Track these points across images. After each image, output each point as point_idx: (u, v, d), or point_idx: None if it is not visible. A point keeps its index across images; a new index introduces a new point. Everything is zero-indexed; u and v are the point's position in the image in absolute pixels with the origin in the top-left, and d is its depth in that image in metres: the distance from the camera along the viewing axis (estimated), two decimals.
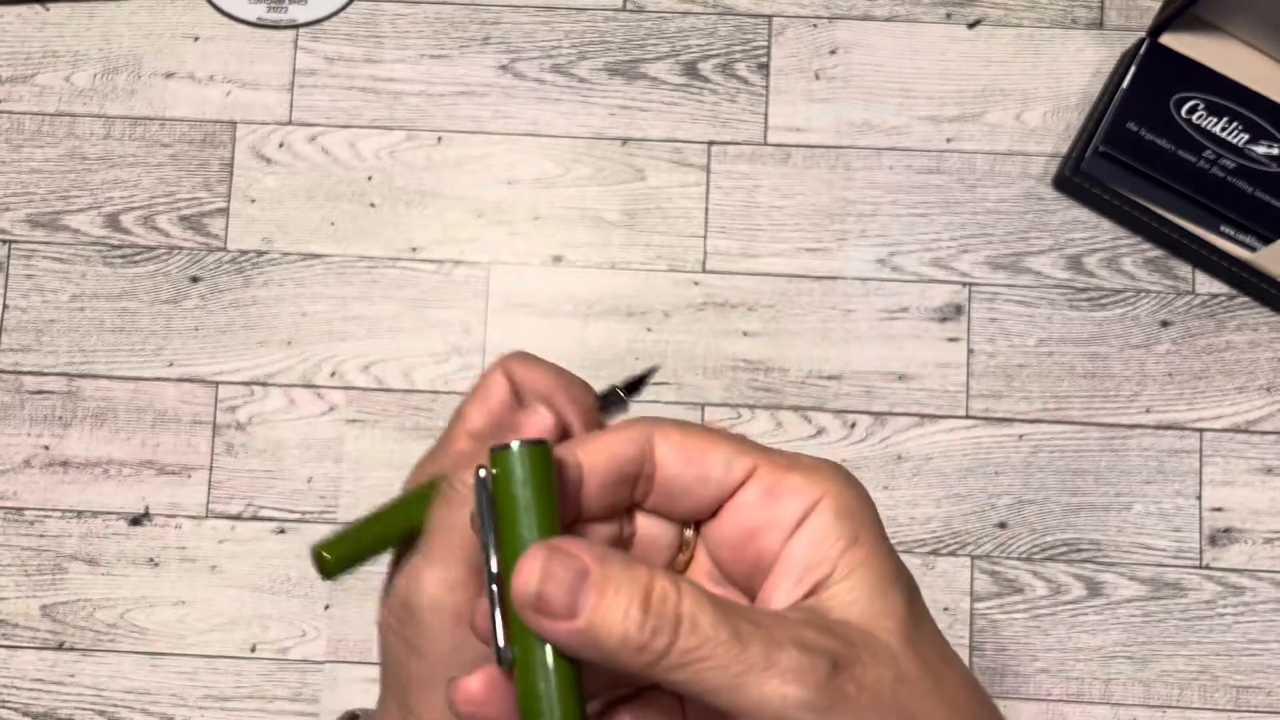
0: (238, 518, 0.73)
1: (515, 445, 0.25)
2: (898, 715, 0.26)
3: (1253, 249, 0.73)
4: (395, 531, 0.32)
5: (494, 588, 0.25)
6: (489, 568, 0.25)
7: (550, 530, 0.25)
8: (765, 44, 0.78)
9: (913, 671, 0.27)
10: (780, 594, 0.28)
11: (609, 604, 0.24)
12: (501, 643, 0.25)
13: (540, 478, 0.25)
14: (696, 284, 0.75)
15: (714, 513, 0.29)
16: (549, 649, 0.25)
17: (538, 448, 0.25)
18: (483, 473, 0.26)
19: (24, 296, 0.75)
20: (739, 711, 0.25)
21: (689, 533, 0.30)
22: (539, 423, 0.32)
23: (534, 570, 0.24)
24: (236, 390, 0.74)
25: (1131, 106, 0.73)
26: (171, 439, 0.74)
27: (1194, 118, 0.73)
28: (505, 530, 0.25)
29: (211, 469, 0.74)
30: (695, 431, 0.28)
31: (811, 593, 0.27)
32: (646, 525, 0.30)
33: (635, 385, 0.39)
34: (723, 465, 0.28)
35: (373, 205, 0.76)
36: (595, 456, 0.27)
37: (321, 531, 0.72)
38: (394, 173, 0.77)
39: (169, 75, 0.78)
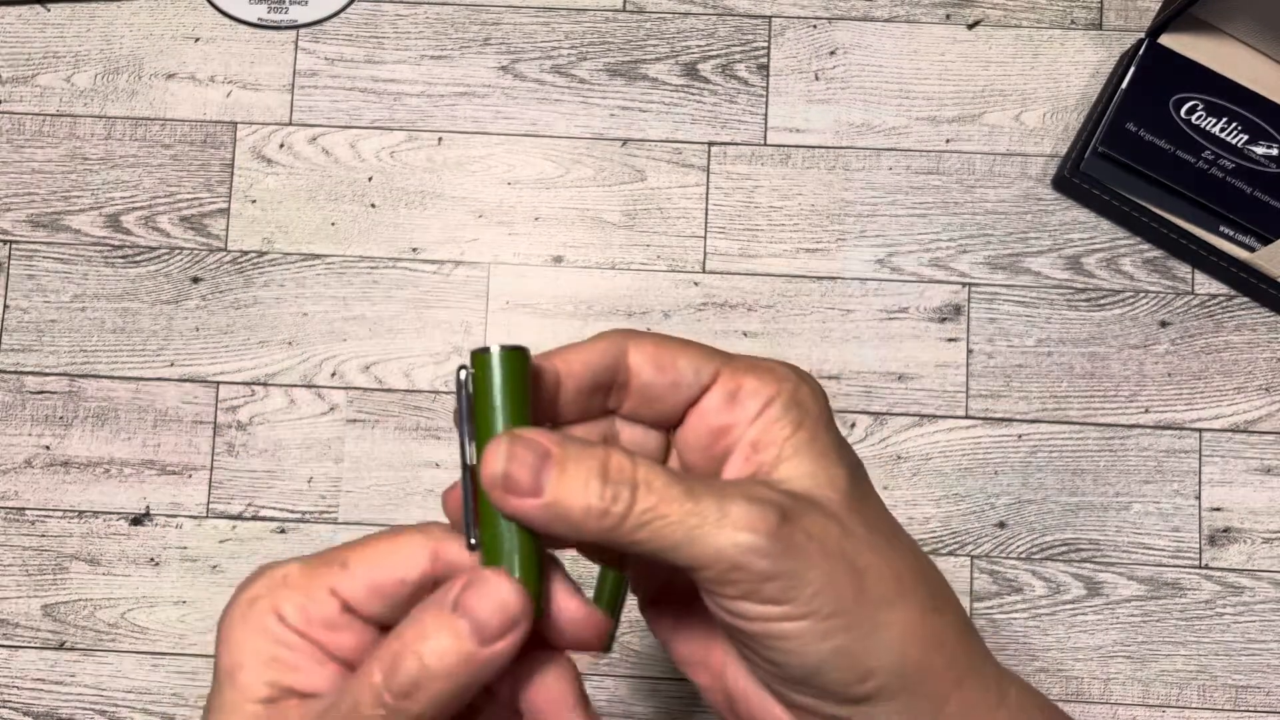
0: (239, 518, 0.73)
1: (495, 348, 0.27)
2: (845, 564, 0.28)
3: (1252, 249, 0.73)
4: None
5: (469, 480, 0.27)
6: (464, 460, 0.28)
7: (522, 424, 0.27)
8: (765, 45, 0.78)
9: (858, 530, 0.28)
10: (730, 474, 0.30)
11: (570, 478, 0.26)
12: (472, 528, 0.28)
13: (516, 379, 0.27)
14: (696, 284, 0.75)
15: (683, 418, 0.31)
16: (512, 531, 0.27)
17: (515, 351, 0.27)
18: (463, 373, 0.27)
19: (25, 297, 0.75)
20: (699, 564, 0.27)
21: (673, 437, 0.32)
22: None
23: (499, 453, 0.26)
24: (237, 390, 0.74)
25: (1130, 107, 0.73)
26: (172, 439, 0.74)
27: (1193, 118, 0.74)
28: (481, 425, 0.27)
29: (212, 469, 0.74)
30: (667, 341, 0.30)
31: (757, 471, 0.29)
32: (631, 433, 0.31)
33: None
34: (691, 371, 0.30)
35: (373, 206, 0.76)
36: (571, 364, 0.29)
37: (321, 532, 0.73)
38: (395, 173, 0.77)
39: (170, 76, 0.78)
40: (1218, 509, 0.73)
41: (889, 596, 0.28)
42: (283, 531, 0.73)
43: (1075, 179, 0.74)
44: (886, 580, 0.28)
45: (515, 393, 0.27)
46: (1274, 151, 0.73)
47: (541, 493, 0.26)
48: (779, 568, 0.27)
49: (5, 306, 0.76)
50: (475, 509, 0.28)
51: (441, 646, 0.26)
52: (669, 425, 0.31)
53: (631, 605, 0.72)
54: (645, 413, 0.31)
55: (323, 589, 0.29)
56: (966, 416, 0.74)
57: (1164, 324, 0.75)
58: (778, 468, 0.29)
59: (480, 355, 0.27)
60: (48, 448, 0.74)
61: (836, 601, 0.27)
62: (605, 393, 0.30)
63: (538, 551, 0.27)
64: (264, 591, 0.30)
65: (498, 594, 0.27)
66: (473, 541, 0.28)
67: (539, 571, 0.28)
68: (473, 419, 0.28)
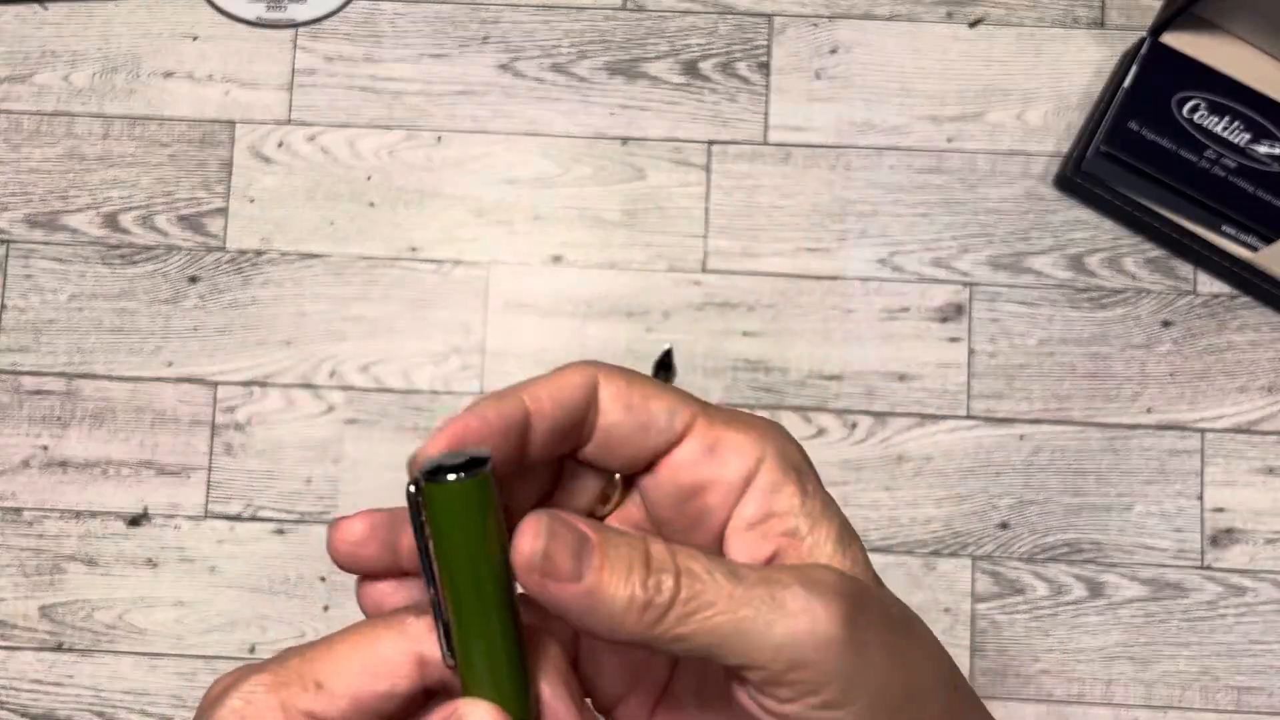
0: (237, 518, 0.73)
1: (453, 477, 0.23)
2: (899, 658, 0.26)
3: (1254, 249, 0.73)
4: None
5: (436, 601, 0.24)
6: (429, 583, 0.24)
7: (503, 550, 0.24)
8: (766, 43, 0.77)
9: (895, 615, 0.27)
10: (746, 552, 0.27)
11: (612, 565, 0.24)
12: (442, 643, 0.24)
13: (479, 513, 0.24)
14: (697, 284, 0.75)
15: (649, 465, 0.28)
16: (494, 639, 0.24)
17: (479, 479, 0.23)
18: (413, 488, 0.24)
19: (22, 296, 0.75)
20: (752, 662, 0.24)
21: (615, 479, 0.29)
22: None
23: (540, 532, 0.24)
24: (235, 390, 0.74)
25: (1133, 106, 0.73)
26: (170, 439, 0.74)
27: (1195, 117, 0.73)
28: (443, 560, 0.24)
29: (210, 469, 0.74)
30: (638, 379, 0.28)
31: (778, 550, 0.27)
32: (572, 473, 0.29)
33: (664, 368, 0.38)
34: (665, 416, 0.27)
35: (372, 205, 0.76)
36: (541, 402, 0.26)
37: (320, 532, 0.72)
38: (393, 172, 0.76)
39: (168, 75, 0.78)
40: (1220, 510, 0.73)
41: (927, 686, 0.26)
42: (281, 532, 0.73)
43: (1077, 178, 0.74)
44: (924, 668, 0.27)
45: (479, 531, 0.24)
46: (1276, 150, 0.73)
47: (582, 578, 0.24)
48: (845, 666, 0.24)
49: (3, 306, 0.75)
50: (446, 623, 0.25)
51: None
52: (626, 471, 0.28)
53: None
54: (605, 456, 0.28)
55: (299, 710, 0.26)
56: (968, 416, 0.74)
57: (1166, 324, 0.75)
58: (801, 542, 0.27)
59: (436, 486, 0.23)
60: (45, 448, 0.74)
61: (890, 700, 0.25)
62: (576, 433, 0.27)
63: (523, 662, 0.25)
64: (244, 708, 0.26)
65: None
66: (450, 662, 0.25)
67: (525, 681, 0.25)
68: (430, 553, 0.24)
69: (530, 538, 0.23)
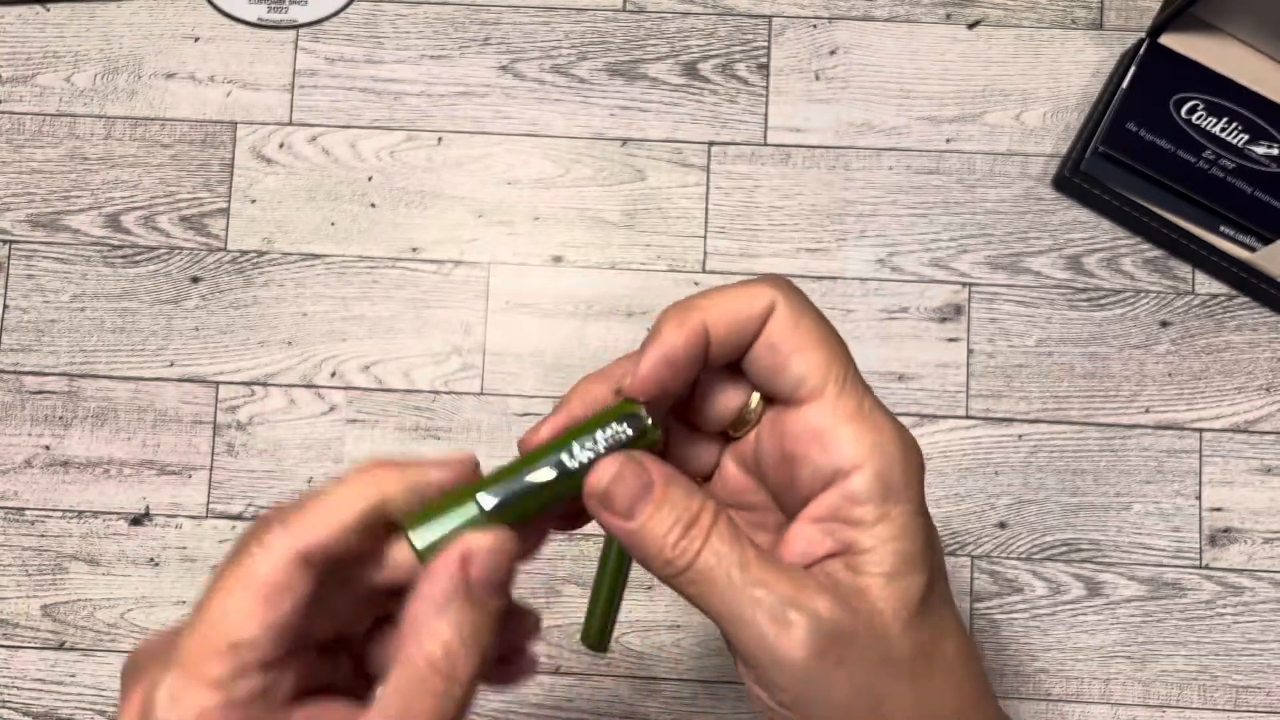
0: (239, 518, 0.73)
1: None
2: (868, 696, 0.27)
3: (1252, 249, 0.73)
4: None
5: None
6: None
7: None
8: (765, 44, 0.78)
9: (902, 656, 0.27)
10: (804, 542, 0.29)
11: (660, 519, 0.28)
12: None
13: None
14: (696, 284, 0.75)
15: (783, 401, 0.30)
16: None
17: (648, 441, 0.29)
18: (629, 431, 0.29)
19: (25, 297, 0.75)
20: (732, 640, 0.28)
21: (755, 399, 0.31)
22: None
23: (609, 472, 0.28)
24: (237, 390, 0.74)
25: (1131, 107, 0.73)
26: (172, 439, 0.74)
27: (1194, 118, 0.73)
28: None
29: (212, 469, 0.74)
30: (807, 321, 0.29)
31: (831, 554, 0.28)
32: (719, 380, 0.31)
33: None
34: (795, 377, 0.29)
35: (373, 205, 0.76)
36: (719, 328, 0.29)
37: None
38: (394, 173, 0.77)
39: (169, 76, 0.78)
40: (1218, 509, 0.73)
41: None
42: None
43: (1076, 179, 0.74)
44: (906, 709, 0.28)
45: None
46: (1274, 151, 0.73)
47: (633, 519, 0.28)
48: (802, 692, 0.27)
49: (5, 306, 0.76)
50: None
51: (480, 623, 0.27)
52: (767, 399, 0.31)
53: (630, 605, 0.72)
54: (750, 376, 0.30)
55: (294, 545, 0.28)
56: (967, 416, 0.74)
57: (1165, 324, 0.75)
58: (856, 556, 0.28)
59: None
60: (47, 448, 0.74)
61: None
62: (738, 352, 0.30)
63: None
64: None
65: (495, 552, 0.27)
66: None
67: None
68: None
69: (601, 476, 0.28)
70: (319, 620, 0.29)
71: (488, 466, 0.29)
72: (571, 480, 0.29)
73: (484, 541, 0.27)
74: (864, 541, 0.28)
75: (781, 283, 0.30)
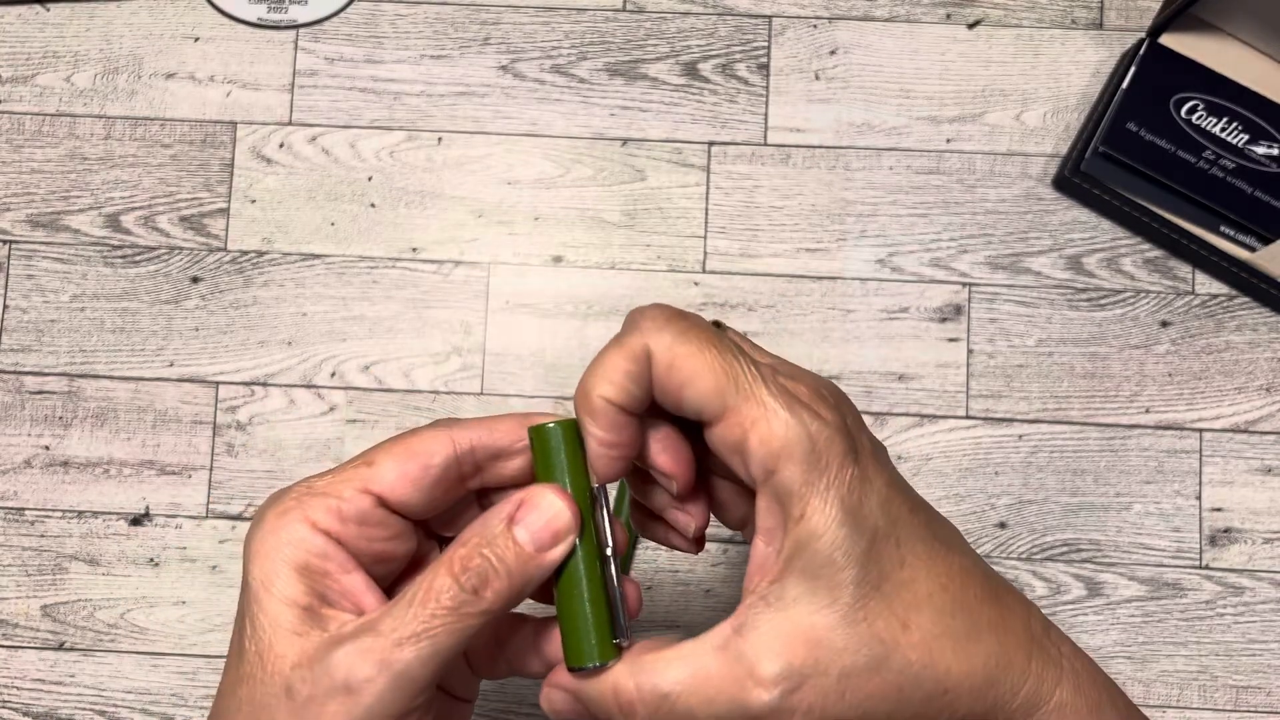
0: (238, 518, 0.73)
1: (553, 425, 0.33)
2: (842, 707, 0.29)
3: (1252, 249, 0.73)
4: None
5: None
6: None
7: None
8: (765, 44, 0.78)
9: (858, 662, 0.28)
10: (756, 560, 0.32)
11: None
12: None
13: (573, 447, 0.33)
14: (696, 284, 0.75)
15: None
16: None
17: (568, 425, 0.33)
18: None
19: (24, 297, 0.75)
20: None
21: None
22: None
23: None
24: (237, 390, 0.74)
25: (1131, 107, 0.73)
26: (172, 439, 0.74)
27: (1194, 118, 0.73)
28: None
29: (212, 469, 0.74)
30: (676, 363, 0.30)
31: (776, 575, 0.30)
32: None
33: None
34: (696, 411, 0.31)
35: (373, 205, 0.76)
36: (625, 393, 0.32)
37: None
38: (394, 173, 0.77)
39: (169, 76, 0.78)
40: (1218, 509, 0.73)
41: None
42: None
43: (1076, 179, 0.74)
44: (868, 688, 0.29)
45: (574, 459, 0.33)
46: (1275, 151, 0.73)
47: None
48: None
49: (5, 306, 0.76)
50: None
51: (503, 551, 0.30)
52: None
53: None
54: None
55: (353, 487, 0.31)
56: (967, 417, 0.74)
57: (1165, 324, 0.75)
58: (782, 580, 0.30)
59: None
60: (47, 448, 0.74)
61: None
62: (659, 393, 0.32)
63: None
64: (294, 504, 0.31)
65: (550, 510, 0.31)
66: (621, 643, 0.34)
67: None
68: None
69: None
70: (439, 514, 0.35)
71: None
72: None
73: (549, 496, 0.31)
74: (781, 561, 0.30)
75: (649, 324, 0.31)
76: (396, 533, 0.33)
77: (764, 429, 0.29)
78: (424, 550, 0.36)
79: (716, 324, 0.34)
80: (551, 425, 0.32)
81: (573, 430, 0.32)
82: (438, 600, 0.29)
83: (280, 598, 0.30)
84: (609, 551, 0.33)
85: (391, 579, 0.35)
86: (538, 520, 0.31)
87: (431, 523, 0.36)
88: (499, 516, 0.31)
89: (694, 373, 0.30)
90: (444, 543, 0.37)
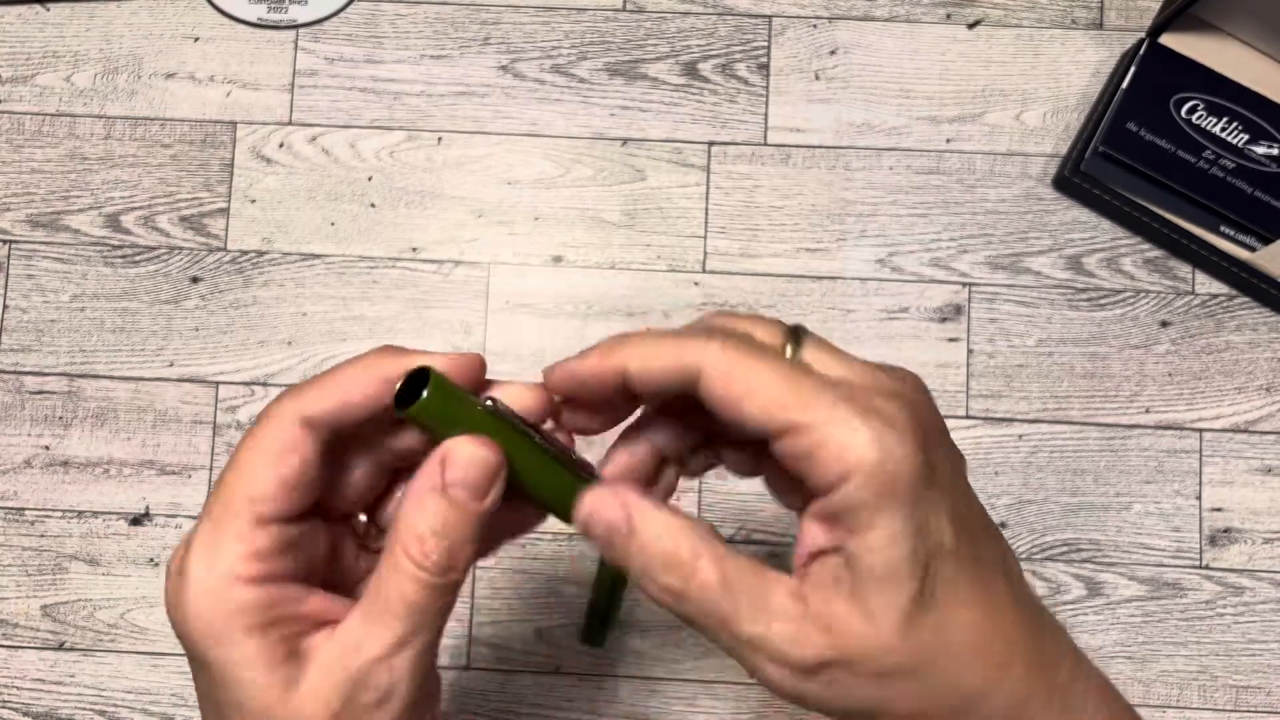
0: None
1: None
2: (866, 705, 0.29)
3: (1252, 249, 0.73)
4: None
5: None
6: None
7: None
8: (765, 44, 0.78)
9: (899, 666, 0.28)
10: (810, 537, 0.31)
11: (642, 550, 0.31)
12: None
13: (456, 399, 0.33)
14: (696, 284, 0.75)
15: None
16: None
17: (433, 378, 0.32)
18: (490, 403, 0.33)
19: (24, 297, 0.75)
20: (729, 645, 0.30)
21: None
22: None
23: (586, 505, 0.32)
24: (237, 390, 0.74)
25: (1131, 107, 0.73)
26: (172, 439, 0.74)
27: (1194, 118, 0.73)
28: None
29: (212, 469, 0.74)
30: (734, 379, 0.30)
31: (834, 549, 0.30)
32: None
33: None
34: (757, 426, 0.30)
35: (373, 205, 0.76)
36: (638, 374, 0.32)
37: None
38: (394, 173, 0.77)
39: (169, 76, 0.78)
40: (1218, 509, 0.73)
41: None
42: None
43: (1076, 179, 0.74)
44: (909, 701, 0.29)
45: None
46: (1274, 151, 0.73)
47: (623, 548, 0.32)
48: (801, 704, 0.30)
49: (5, 306, 0.76)
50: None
51: (452, 518, 0.30)
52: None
53: (630, 605, 0.71)
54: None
55: (245, 520, 0.31)
56: (967, 416, 0.74)
57: (1165, 324, 0.75)
58: (851, 563, 0.29)
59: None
60: (47, 448, 0.74)
61: None
62: (675, 393, 0.32)
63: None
64: (207, 566, 0.31)
65: (472, 457, 0.31)
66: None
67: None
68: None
69: (582, 507, 0.32)
70: (339, 491, 0.34)
71: None
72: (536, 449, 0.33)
73: (465, 447, 0.31)
74: (855, 547, 0.29)
75: (714, 345, 0.30)
76: (316, 534, 0.33)
77: (834, 444, 0.28)
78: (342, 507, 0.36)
79: (796, 330, 0.32)
80: (423, 399, 0.31)
81: (437, 382, 0.31)
82: (416, 598, 0.30)
83: (260, 667, 0.29)
84: (537, 439, 0.32)
85: (337, 564, 0.35)
86: (468, 472, 0.30)
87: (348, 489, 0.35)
88: (430, 487, 0.31)
89: (757, 385, 0.29)
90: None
